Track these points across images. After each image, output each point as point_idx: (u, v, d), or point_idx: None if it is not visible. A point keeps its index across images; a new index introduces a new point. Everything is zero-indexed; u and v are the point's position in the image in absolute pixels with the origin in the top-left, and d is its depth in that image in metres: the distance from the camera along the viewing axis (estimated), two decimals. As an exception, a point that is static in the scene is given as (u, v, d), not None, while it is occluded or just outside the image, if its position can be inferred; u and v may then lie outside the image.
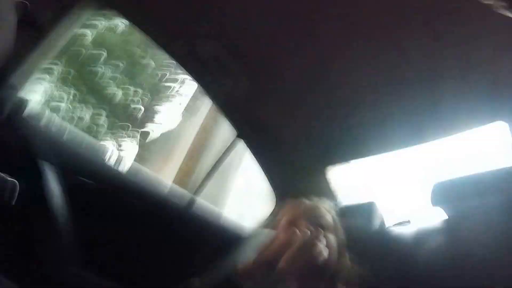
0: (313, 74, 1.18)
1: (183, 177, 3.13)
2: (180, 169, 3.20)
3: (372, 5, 0.95)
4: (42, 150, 0.98)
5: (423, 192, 1.17)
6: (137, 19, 1.19)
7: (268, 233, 1.03)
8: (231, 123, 1.37)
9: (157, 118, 3.36)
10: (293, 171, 1.49)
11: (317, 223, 0.97)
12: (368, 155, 1.43)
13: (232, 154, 1.45)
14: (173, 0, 1.10)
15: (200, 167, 3.12)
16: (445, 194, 1.10)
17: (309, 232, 0.93)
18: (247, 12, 1.07)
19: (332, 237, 0.97)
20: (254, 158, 1.47)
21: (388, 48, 1.05)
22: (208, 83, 1.27)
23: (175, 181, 3.00)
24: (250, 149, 1.44)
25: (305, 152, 1.44)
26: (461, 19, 0.90)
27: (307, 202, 1.07)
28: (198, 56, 1.18)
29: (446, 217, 1.10)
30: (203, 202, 1.37)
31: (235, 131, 1.39)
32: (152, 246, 1.21)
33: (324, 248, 0.92)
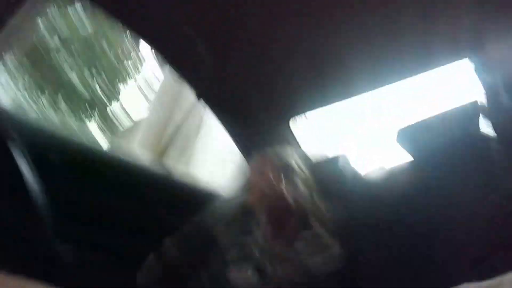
0: (271, 28, 1.16)
1: (151, 146, 3.06)
2: (146, 140, 3.11)
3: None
4: (8, 131, 0.91)
5: (389, 137, 1.20)
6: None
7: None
8: (191, 84, 1.31)
9: (116, 97, 3.30)
10: (257, 126, 1.47)
11: (281, 166, 1.02)
12: (330, 103, 1.43)
13: (195, 114, 1.40)
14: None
15: (165, 134, 3.07)
16: (410, 138, 1.14)
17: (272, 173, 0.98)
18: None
19: (297, 179, 1.02)
20: (217, 117, 1.43)
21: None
22: (168, 46, 1.20)
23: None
24: (212, 108, 1.39)
25: (267, 106, 1.42)
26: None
27: (271, 151, 1.11)
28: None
29: (413, 158, 1.15)
30: (174, 165, 1.33)
31: (195, 91, 1.33)
32: (131, 212, 1.20)
33: (288, 186, 0.98)
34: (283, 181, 0.97)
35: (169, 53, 1.22)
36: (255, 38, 1.19)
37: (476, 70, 1.01)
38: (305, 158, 1.16)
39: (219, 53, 1.21)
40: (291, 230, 0.96)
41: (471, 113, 1.05)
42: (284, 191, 0.96)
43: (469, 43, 1.05)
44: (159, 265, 1.04)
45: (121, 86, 3.44)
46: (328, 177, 1.14)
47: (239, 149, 1.52)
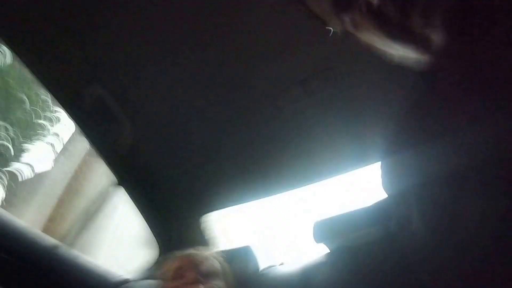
0: (194, 120, 1.21)
1: (52, 224, 2.80)
2: (50, 216, 2.86)
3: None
4: None
5: (302, 232, 1.25)
6: (22, 52, 1.04)
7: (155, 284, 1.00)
8: (112, 170, 1.30)
9: (26, 158, 3.01)
10: (173, 219, 1.48)
11: (205, 272, 0.98)
12: (244, 201, 1.49)
13: (110, 201, 1.38)
14: (61, 40, 1.02)
15: (72, 215, 2.88)
16: (326, 231, 1.19)
17: (199, 282, 0.94)
18: (131, 57, 1.06)
19: (221, 284, 0.99)
20: (135, 206, 1.42)
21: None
22: (91, 128, 1.18)
23: (44, 228, 2.68)
24: (131, 197, 1.38)
25: (185, 200, 1.45)
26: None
27: (194, 252, 1.07)
28: (82, 99, 1.11)
29: (328, 251, 1.20)
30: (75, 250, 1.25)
31: (115, 178, 1.32)
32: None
33: None
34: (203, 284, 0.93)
35: (95, 138, 1.20)
36: (178, 133, 1.25)
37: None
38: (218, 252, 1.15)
39: (144, 145, 1.25)
40: None
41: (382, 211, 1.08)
42: None
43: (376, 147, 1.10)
44: None
45: (33, 147, 3.14)
46: (233, 267, 1.13)
47: (154, 236, 1.50)
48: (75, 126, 1.20)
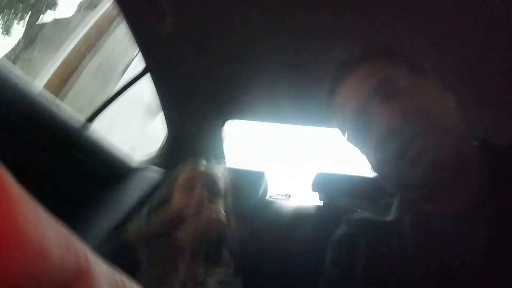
0: (233, 29, 1.11)
1: (63, 74, 2.78)
2: (62, 64, 2.81)
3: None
4: None
5: (306, 172, 1.26)
6: None
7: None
8: (143, 54, 1.22)
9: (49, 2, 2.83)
10: (191, 118, 1.47)
11: (211, 189, 1.00)
12: (264, 120, 1.49)
13: (136, 84, 1.30)
14: None
15: (82, 70, 2.83)
16: (323, 185, 1.23)
17: (204, 201, 0.95)
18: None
19: (222, 203, 1.01)
20: (157, 95, 1.37)
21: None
22: (132, 7, 1.07)
23: (55, 76, 2.66)
24: (156, 85, 1.33)
25: (207, 102, 1.42)
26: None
27: (203, 166, 1.08)
28: None
29: (321, 203, 1.24)
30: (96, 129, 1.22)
31: (145, 62, 1.24)
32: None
33: (216, 216, 0.96)
34: (213, 213, 0.95)
35: (135, 23, 1.10)
36: (217, 34, 1.14)
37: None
38: (227, 169, 1.16)
39: (181, 38, 1.14)
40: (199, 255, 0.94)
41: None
42: (213, 227, 0.94)
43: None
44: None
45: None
46: (244, 189, 1.16)
47: (167, 128, 1.50)
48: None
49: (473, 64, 0.99)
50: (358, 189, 1.16)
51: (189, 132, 1.50)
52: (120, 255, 0.86)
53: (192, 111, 1.45)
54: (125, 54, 2.98)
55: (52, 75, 2.60)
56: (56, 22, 2.91)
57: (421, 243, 0.56)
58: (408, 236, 0.58)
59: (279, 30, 1.05)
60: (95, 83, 2.82)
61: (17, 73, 0.93)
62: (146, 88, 1.35)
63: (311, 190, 1.22)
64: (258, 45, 1.12)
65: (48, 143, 1.03)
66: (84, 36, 2.92)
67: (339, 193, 1.19)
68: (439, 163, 0.53)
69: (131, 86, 1.26)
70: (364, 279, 0.60)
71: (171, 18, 1.06)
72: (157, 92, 1.36)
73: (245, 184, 1.22)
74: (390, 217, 0.64)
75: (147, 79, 1.30)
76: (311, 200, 1.28)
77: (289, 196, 1.38)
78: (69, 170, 1.11)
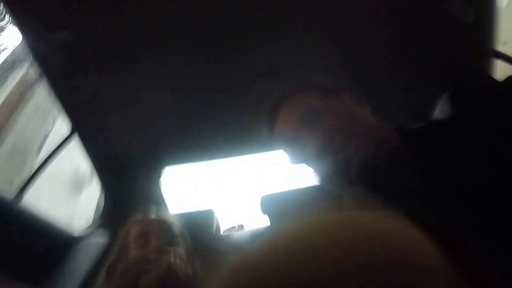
0: (159, 76, 1.16)
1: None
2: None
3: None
4: None
5: (252, 200, 1.30)
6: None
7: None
8: (68, 117, 1.20)
9: None
10: (127, 171, 1.44)
11: (167, 238, 0.97)
12: (200, 160, 1.50)
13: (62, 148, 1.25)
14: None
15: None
16: (270, 205, 1.27)
17: (162, 247, 0.93)
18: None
19: (182, 250, 0.98)
20: (86, 156, 1.33)
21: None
22: (56, 71, 1.07)
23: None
24: (84, 146, 1.30)
25: (140, 154, 1.41)
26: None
27: (154, 217, 1.05)
28: (51, 44, 1.00)
29: (270, 223, 1.27)
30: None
31: (70, 125, 1.22)
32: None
33: (179, 264, 0.92)
34: (177, 262, 0.92)
35: (58, 83, 1.09)
36: (143, 84, 1.17)
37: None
38: (175, 215, 1.15)
39: (106, 94, 1.16)
40: None
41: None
42: (178, 275, 0.91)
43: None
44: None
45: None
46: (195, 230, 1.13)
47: (103, 189, 1.44)
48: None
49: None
50: (304, 199, 1.21)
51: (126, 188, 1.45)
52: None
53: (127, 166, 1.42)
54: (39, 130, 2.84)
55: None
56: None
57: None
58: None
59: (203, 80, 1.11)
60: (11, 163, 2.61)
61: None
62: (73, 156, 1.30)
63: (261, 213, 1.25)
64: (185, 90, 1.17)
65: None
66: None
67: (288, 208, 1.22)
68: (365, 161, 0.66)
69: (58, 151, 1.21)
70: None
71: (94, 77, 1.08)
72: (87, 153, 1.32)
73: (197, 225, 1.20)
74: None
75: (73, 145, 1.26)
76: (264, 223, 1.30)
77: (242, 227, 1.39)
78: (9, 247, 1.01)
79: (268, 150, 1.47)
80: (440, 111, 0.81)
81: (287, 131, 0.75)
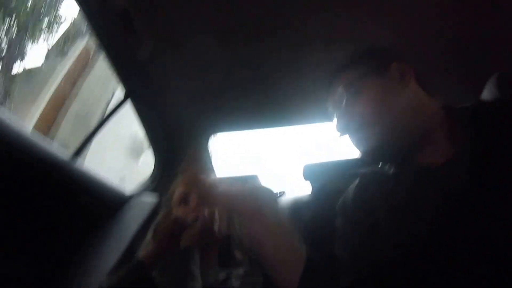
0: (215, 45, 1.15)
1: (44, 123, 2.78)
2: (42, 114, 2.82)
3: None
4: None
5: (295, 168, 1.30)
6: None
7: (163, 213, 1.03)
8: (122, 82, 1.25)
9: (21, 52, 2.85)
10: (177, 137, 1.50)
11: (209, 198, 1.00)
12: (249, 128, 1.55)
13: (117, 112, 1.32)
14: None
15: (64, 115, 2.83)
16: (312, 173, 1.28)
17: (203, 210, 0.95)
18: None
19: (222, 210, 1.00)
20: (140, 120, 1.41)
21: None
22: (111, 38, 1.10)
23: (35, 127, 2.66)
24: (137, 111, 1.36)
25: (191, 119, 1.45)
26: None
27: (199, 176, 1.08)
28: (106, 9, 1.02)
29: (312, 190, 1.28)
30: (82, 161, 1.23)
31: (124, 89, 1.28)
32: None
33: (217, 223, 0.96)
34: (213, 219, 0.95)
35: (111, 48, 1.13)
36: (196, 51, 1.16)
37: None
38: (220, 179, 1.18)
39: (160, 60, 1.18)
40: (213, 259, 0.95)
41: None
42: (214, 231, 0.94)
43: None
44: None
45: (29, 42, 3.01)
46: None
47: (153, 152, 1.53)
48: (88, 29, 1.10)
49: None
50: (345, 169, 1.20)
51: (176, 152, 1.52)
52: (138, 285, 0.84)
53: (176, 131, 1.49)
54: (100, 98, 3.01)
55: (32, 128, 2.60)
56: (28, 72, 2.93)
57: (417, 189, 0.68)
58: (408, 183, 0.71)
59: (258, 47, 1.12)
60: (75, 129, 2.83)
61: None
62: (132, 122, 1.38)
63: (303, 180, 1.26)
64: (235, 56, 1.17)
65: (39, 179, 1.03)
66: (59, 84, 2.94)
67: (328, 177, 1.22)
68: (396, 138, 0.73)
69: (113, 115, 1.29)
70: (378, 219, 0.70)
71: (148, 43, 1.11)
72: (139, 117, 1.39)
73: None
74: (395, 170, 0.78)
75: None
76: (305, 191, 1.31)
77: (284, 193, 1.41)
78: (64, 205, 1.11)
79: (314, 122, 1.49)
80: (487, 93, 0.83)
81: (332, 99, 0.84)
